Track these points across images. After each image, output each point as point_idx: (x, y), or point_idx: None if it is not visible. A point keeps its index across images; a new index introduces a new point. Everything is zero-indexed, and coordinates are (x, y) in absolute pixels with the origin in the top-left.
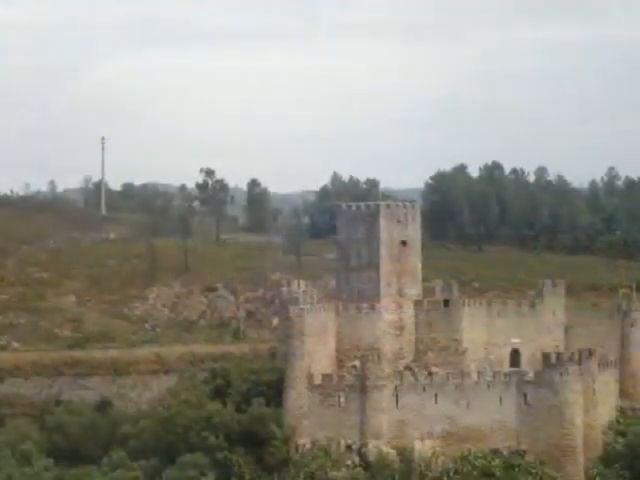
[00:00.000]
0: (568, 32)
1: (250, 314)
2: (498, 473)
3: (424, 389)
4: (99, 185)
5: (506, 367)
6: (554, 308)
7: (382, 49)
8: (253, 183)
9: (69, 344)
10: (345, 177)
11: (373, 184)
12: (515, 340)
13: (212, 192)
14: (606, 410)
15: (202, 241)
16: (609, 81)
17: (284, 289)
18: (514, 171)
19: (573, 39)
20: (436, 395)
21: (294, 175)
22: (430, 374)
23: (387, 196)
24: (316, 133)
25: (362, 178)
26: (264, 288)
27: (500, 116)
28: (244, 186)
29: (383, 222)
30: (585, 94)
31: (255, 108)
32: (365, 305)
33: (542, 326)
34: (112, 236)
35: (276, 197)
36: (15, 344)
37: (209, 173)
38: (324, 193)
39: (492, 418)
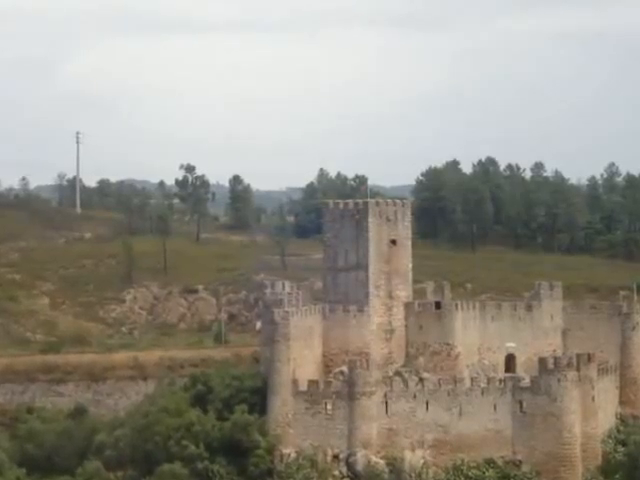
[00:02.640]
0: (566, 23)
1: (232, 317)
2: None
3: (415, 396)
4: (73, 182)
5: (501, 372)
6: (551, 311)
7: (370, 40)
8: (235, 180)
9: (42, 348)
10: (332, 174)
11: (361, 181)
12: (510, 344)
13: (192, 189)
14: (606, 418)
15: (182, 240)
16: (608, 73)
17: (268, 291)
18: (509, 167)
19: (572, 30)
20: (427, 402)
21: (278, 172)
22: (421, 380)
23: (376, 193)
24: (303, 128)
25: (350, 175)
26: (247, 290)
27: (494, 110)
28: (226, 183)
29: (372, 220)
30: (585, 87)
31: (238, 102)
32: (353, 307)
33: (539, 330)
34: (87, 235)
35: (259, 194)
36: None
37: (189, 169)
38: (310, 190)
39: (486, 426)
